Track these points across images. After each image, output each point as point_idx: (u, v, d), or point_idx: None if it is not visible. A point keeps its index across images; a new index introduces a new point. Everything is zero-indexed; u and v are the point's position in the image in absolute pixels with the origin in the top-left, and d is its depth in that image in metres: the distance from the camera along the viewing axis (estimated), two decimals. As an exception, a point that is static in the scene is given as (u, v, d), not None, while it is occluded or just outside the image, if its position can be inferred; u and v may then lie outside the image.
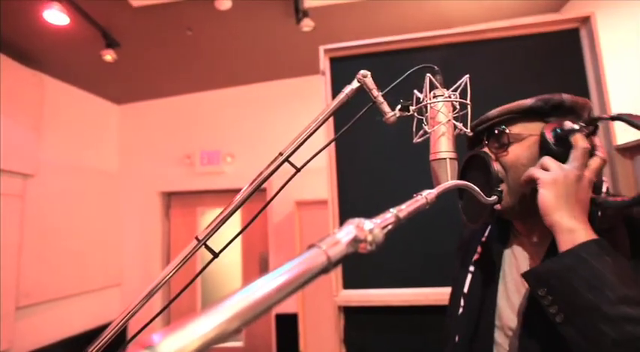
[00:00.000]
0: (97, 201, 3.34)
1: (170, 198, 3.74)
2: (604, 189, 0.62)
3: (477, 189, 0.56)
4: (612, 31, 2.02)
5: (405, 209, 0.35)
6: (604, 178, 0.64)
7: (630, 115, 0.53)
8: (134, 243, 3.56)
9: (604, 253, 0.48)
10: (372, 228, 0.29)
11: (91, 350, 0.63)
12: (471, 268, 0.76)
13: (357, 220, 0.29)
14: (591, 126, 0.58)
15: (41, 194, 2.78)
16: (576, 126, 0.56)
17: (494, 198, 0.60)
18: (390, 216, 0.32)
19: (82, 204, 3.17)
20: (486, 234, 0.77)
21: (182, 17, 2.44)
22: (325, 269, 0.26)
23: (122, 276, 3.51)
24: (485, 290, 0.70)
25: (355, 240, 0.28)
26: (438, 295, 1.33)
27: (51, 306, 2.82)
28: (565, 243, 0.51)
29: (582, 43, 1.38)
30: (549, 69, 1.40)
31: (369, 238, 0.29)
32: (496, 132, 0.66)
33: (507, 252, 0.71)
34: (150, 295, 0.67)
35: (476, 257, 0.76)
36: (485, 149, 0.69)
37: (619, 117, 0.54)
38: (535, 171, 0.57)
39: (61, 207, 2.97)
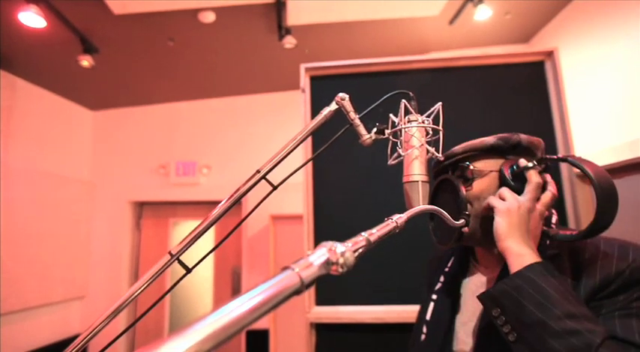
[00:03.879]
0: (64, 209, 3.20)
1: (142, 208, 3.64)
2: (553, 221, 0.68)
3: (446, 213, 0.59)
4: (577, 62, 2.16)
5: (375, 233, 0.37)
6: (553, 211, 0.70)
7: (579, 159, 0.59)
8: (101, 254, 3.43)
9: (549, 274, 0.53)
10: (344, 251, 0.30)
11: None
12: (434, 296, 0.80)
13: (329, 243, 0.31)
14: (544, 164, 0.64)
15: (3, 200, 2.65)
16: (530, 164, 0.63)
17: (462, 221, 0.63)
18: (361, 239, 0.34)
19: (47, 212, 3.03)
20: (449, 264, 0.82)
21: (164, 27, 2.43)
22: (298, 291, 0.27)
23: (86, 288, 3.36)
24: (446, 318, 0.74)
25: (327, 263, 0.30)
26: (411, 313, 1.34)
27: (6, 320, 2.66)
28: (515, 266, 0.56)
29: (547, 74, 1.47)
30: (518, 97, 1.48)
31: (341, 261, 0.30)
32: (461, 166, 0.71)
33: (466, 281, 0.76)
34: (117, 312, 0.66)
35: (439, 286, 0.80)
36: None
37: (565, 159, 0.60)
38: (493, 200, 0.63)
39: (25, 214, 2.83)
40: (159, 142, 3.57)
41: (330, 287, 1.43)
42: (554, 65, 1.44)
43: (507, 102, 1.48)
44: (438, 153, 0.71)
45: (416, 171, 0.67)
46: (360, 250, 0.33)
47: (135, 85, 3.28)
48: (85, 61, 2.53)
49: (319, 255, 0.29)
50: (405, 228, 0.45)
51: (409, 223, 0.46)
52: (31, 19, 2.09)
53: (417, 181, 0.66)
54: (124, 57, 2.79)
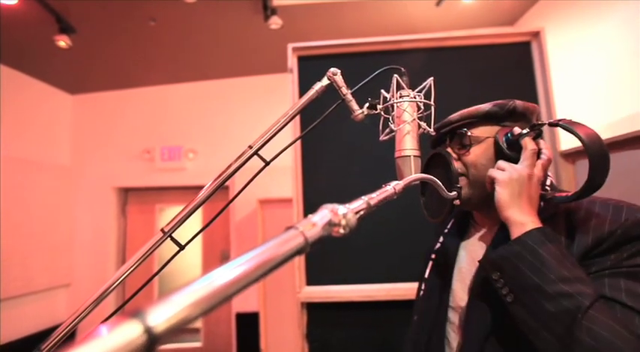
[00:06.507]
0: (46, 196, 3.12)
1: (127, 194, 3.58)
2: (548, 183, 0.69)
3: (440, 183, 0.60)
4: (562, 43, 2.18)
5: (375, 197, 0.37)
6: (549, 174, 0.71)
7: (570, 122, 0.59)
8: (86, 241, 3.37)
9: (547, 240, 0.55)
10: (346, 212, 0.30)
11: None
12: (433, 256, 0.83)
13: (331, 205, 0.31)
14: (537, 130, 0.65)
15: (-19, 187, 2.57)
16: (524, 131, 0.63)
17: (454, 193, 0.64)
18: (361, 202, 0.34)
19: (29, 199, 2.95)
20: (449, 226, 0.85)
21: (145, 6, 2.34)
22: (302, 250, 0.27)
23: (72, 276, 3.31)
24: (443, 275, 0.78)
25: (330, 224, 0.30)
26: (400, 290, 1.37)
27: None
28: (515, 234, 0.59)
29: (533, 54, 1.48)
30: (504, 77, 1.50)
31: (343, 222, 0.30)
32: (459, 133, 0.72)
33: (465, 242, 0.79)
34: (108, 291, 0.65)
35: (438, 246, 0.83)
36: (448, 149, 0.74)
37: (557, 124, 0.60)
38: (493, 172, 0.64)
39: (5, 202, 2.75)
40: (142, 126, 3.49)
41: (319, 266, 1.45)
42: (540, 45, 1.45)
43: (495, 82, 1.49)
44: (430, 128, 0.71)
45: (408, 146, 0.67)
46: (362, 213, 0.33)
47: (116, 68, 3.17)
48: (62, 42, 2.43)
49: (322, 216, 0.29)
50: (395, 207, 0.45)
51: (398, 203, 0.46)
52: (3, -5, 1.99)
53: (409, 156, 0.67)
54: (104, 38, 2.68)
